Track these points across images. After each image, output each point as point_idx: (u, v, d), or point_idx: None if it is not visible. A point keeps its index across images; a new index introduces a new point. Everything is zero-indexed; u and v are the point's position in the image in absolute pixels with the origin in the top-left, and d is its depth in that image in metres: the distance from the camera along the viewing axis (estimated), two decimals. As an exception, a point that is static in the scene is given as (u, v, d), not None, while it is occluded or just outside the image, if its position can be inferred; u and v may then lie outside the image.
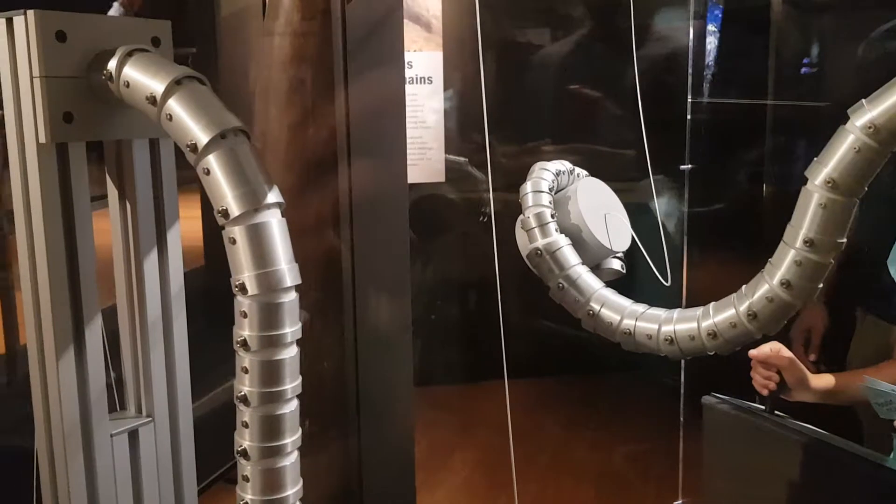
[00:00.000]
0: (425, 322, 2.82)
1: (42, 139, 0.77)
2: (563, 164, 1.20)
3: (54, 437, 0.83)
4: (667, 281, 1.17)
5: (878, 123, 0.85)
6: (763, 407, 1.47)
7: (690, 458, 1.79)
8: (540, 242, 1.10)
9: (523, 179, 2.54)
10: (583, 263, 1.11)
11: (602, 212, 1.16)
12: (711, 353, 1.01)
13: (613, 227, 1.16)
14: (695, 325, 1.00)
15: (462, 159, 2.63)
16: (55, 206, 0.79)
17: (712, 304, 1.00)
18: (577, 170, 1.23)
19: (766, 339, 0.98)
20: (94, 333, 0.83)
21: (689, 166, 1.84)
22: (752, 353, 1.47)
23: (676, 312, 1.04)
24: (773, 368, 1.46)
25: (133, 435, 0.88)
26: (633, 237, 1.17)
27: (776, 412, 1.47)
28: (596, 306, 1.08)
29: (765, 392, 1.47)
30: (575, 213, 1.14)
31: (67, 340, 0.81)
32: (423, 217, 2.88)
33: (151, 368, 0.88)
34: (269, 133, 1.39)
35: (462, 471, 2.70)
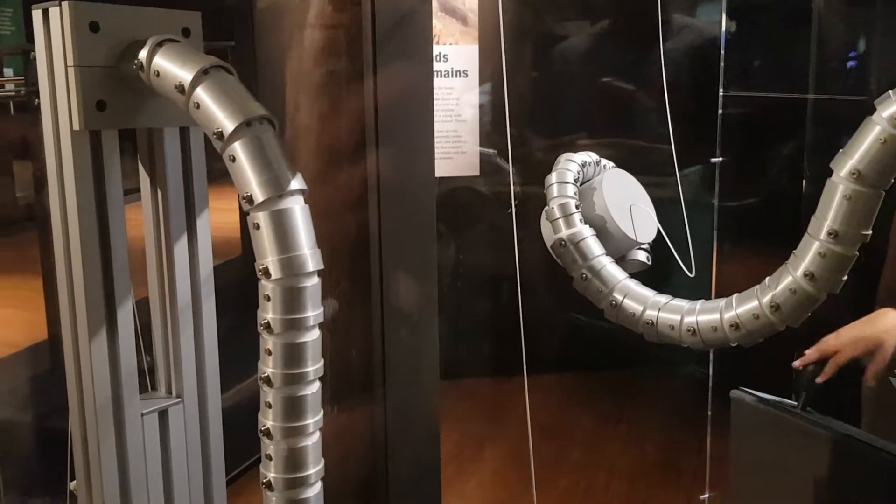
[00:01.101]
0: (453, 316, 2.84)
1: (76, 126, 0.80)
2: (590, 156, 1.21)
3: (87, 415, 0.86)
4: (691, 272, 1.17)
5: (906, 115, 0.84)
6: (795, 403, 1.46)
7: (718, 453, 1.78)
8: (564, 233, 1.11)
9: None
10: (607, 254, 1.12)
11: (628, 203, 1.16)
12: (734, 345, 1.01)
13: (639, 219, 1.16)
14: (717, 316, 1.00)
15: (492, 151, 2.64)
16: (88, 192, 0.82)
17: (735, 295, 1.00)
18: (604, 161, 1.23)
19: (789, 332, 0.97)
20: (126, 315, 0.86)
21: (721, 159, 1.82)
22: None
23: (699, 304, 1.04)
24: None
25: (163, 415, 0.91)
26: (658, 229, 1.17)
27: (808, 408, 1.45)
28: (619, 297, 1.08)
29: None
30: (600, 203, 1.14)
31: (100, 321, 0.84)
32: (453, 209, 2.90)
33: (181, 350, 0.91)
34: (299, 122, 1.41)
35: (488, 464, 2.72)
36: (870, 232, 0.89)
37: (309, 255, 0.74)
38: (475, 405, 2.89)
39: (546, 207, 1.15)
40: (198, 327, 0.92)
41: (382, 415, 1.44)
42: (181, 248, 0.90)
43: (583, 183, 1.18)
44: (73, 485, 0.91)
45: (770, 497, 1.53)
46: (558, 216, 1.12)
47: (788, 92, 2.45)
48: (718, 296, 1.57)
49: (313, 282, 0.75)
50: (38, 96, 0.83)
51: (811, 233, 0.91)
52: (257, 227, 0.74)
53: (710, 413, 1.85)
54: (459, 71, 2.67)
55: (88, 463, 0.87)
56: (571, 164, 1.17)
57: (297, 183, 0.75)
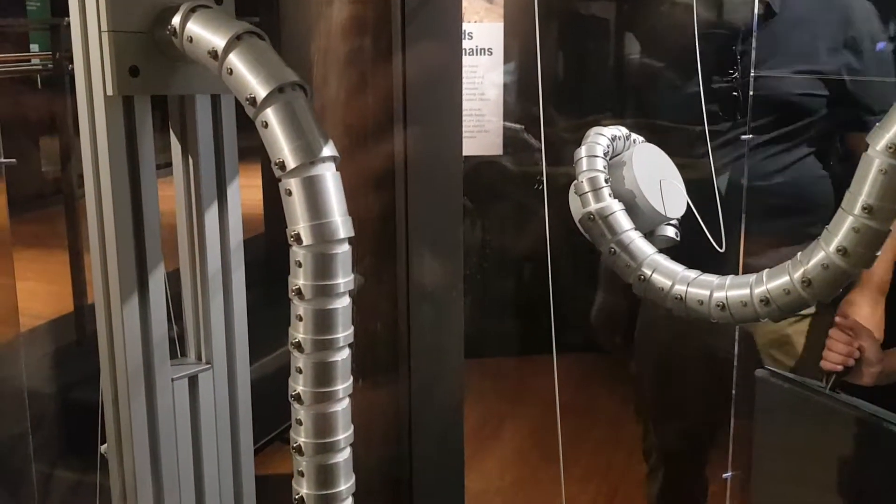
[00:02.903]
0: (477, 293, 2.84)
1: (109, 92, 0.80)
2: (619, 130, 1.20)
3: (118, 380, 0.87)
4: (721, 247, 1.16)
5: (945, 87, 0.83)
6: (821, 383, 1.45)
7: (741, 432, 1.78)
8: (593, 207, 1.10)
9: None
10: (636, 229, 1.11)
11: (657, 178, 1.15)
12: (763, 320, 1.00)
13: (668, 194, 1.15)
14: (747, 291, 0.99)
15: (519, 126, 2.62)
16: (121, 157, 0.82)
17: (766, 270, 0.99)
18: (634, 136, 1.22)
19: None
20: (157, 280, 0.87)
21: (750, 136, 1.81)
22: (841, 320, 1.44)
23: (729, 279, 1.03)
24: (857, 343, 1.43)
25: (193, 380, 0.92)
26: (688, 203, 1.16)
27: (836, 389, 1.45)
28: (647, 271, 1.07)
29: (839, 368, 1.44)
30: (629, 178, 1.13)
31: (132, 286, 0.85)
32: (479, 186, 2.89)
33: (211, 317, 0.92)
34: (327, 99, 1.41)
35: (511, 442, 2.73)
36: (905, 208, 0.88)
37: (340, 221, 0.74)
38: (498, 383, 2.90)
39: (575, 181, 1.14)
40: (227, 294, 0.93)
41: (407, 390, 1.45)
42: (212, 216, 0.91)
43: (612, 157, 1.17)
44: (103, 448, 0.92)
45: (794, 477, 1.53)
46: (587, 190, 1.11)
47: (820, 72, 2.41)
48: (746, 273, 1.57)
49: (344, 249, 0.75)
50: (71, 62, 0.84)
51: (845, 207, 0.90)
52: (289, 193, 0.74)
53: (734, 392, 1.84)
54: (484, 49, 2.66)
55: (119, 426, 0.89)
56: (601, 138, 1.16)
57: (329, 150, 0.75)
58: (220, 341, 0.93)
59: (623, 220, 1.10)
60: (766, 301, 0.98)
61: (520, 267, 3.05)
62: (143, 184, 0.84)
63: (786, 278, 0.96)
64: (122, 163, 0.83)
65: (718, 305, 1.02)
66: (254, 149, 0.96)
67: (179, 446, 0.92)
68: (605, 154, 1.15)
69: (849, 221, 0.90)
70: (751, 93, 1.89)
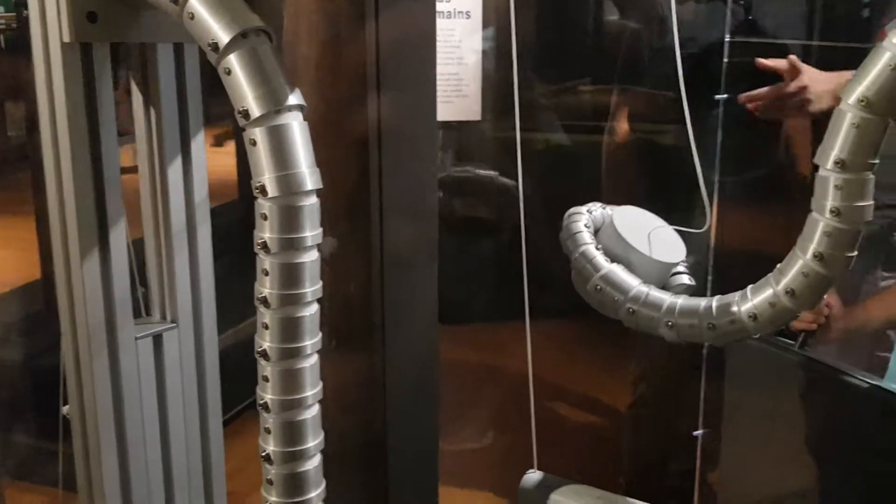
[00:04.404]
0: (451, 259, 2.82)
1: (66, 38, 0.77)
2: (594, 204, 1.19)
3: (79, 338, 0.85)
4: (704, 226, 1.15)
5: (918, 40, 0.82)
6: (792, 342, 1.46)
7: (711, 390, 1.80)
8: (595, 277, 1.09)
9: (560, 119, 2.48)
10: (645, 283, 1.09)
11: (645, 232, 1.14)
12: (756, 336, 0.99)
13: (662, 241, 1.14)
14: (736, 308, 0.98)
15: (493, 173, 2.60)
16: (79, 107, 0.79)
17: (749, 287, 0.98)
18: (609, 207, 1.21)
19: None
20: (119, 235, 0.84)
21: (725, 96, 1.80)
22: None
23: (714, 300, 1.01)
24: (825, 301, 1.44)
25: (157, 339, 0.90)
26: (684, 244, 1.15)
27: (805, 346, 1.46)
28: (672, 319, 1.04)
29: (813, 327, 1.45)
30: (619, 241, 1.12)
31: (92, 241, 0.82)
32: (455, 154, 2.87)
33: (175, 275, 0.90)
34: (298, 63, 1.38)
35: (486, 407, 2.74)
36: (877, 161, 0.87)
37: (307, 173, 0.72)
38: (474, 350, 2.90)
39: (571, 265, 1.13)
40: (192, 251, 0.90)
41: (381, 354, 1.44)
42: (175, 170, 0.88)
43: (596, 231, 1.16)
44: (65, 409, 0.90)
45: (763, 433, 1.54)
46: (584, 263, 1.10)
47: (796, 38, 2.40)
48: (718, 240, 1.56)
49: (312, 201, 0.73)
50: (26, 8, 0.81)
51: (820, 162, 0.89)
52: (254, 143, 0.72)
53: (704, 351, 1.85)
54: (462, 12, 2.62)
55: (81, 387, 0.86)
56: (578, 216, 1.16)
57: (295, 98, 0.72)
58: (186, 300, 0.91)
59: (629, 278, 1.08)
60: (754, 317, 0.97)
61: (496, 233, 3.03)
62: (103, 136, 0.81)
63: (769, 290, 0.95)
64: (81, 114, 0.80)
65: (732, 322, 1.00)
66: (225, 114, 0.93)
67: (144, 407, 0.90)
68: (587, 226, 1.14)
69: (830, 179, 0.89)
70: (725, 59, 1.88)
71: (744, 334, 0.99)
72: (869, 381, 1.35)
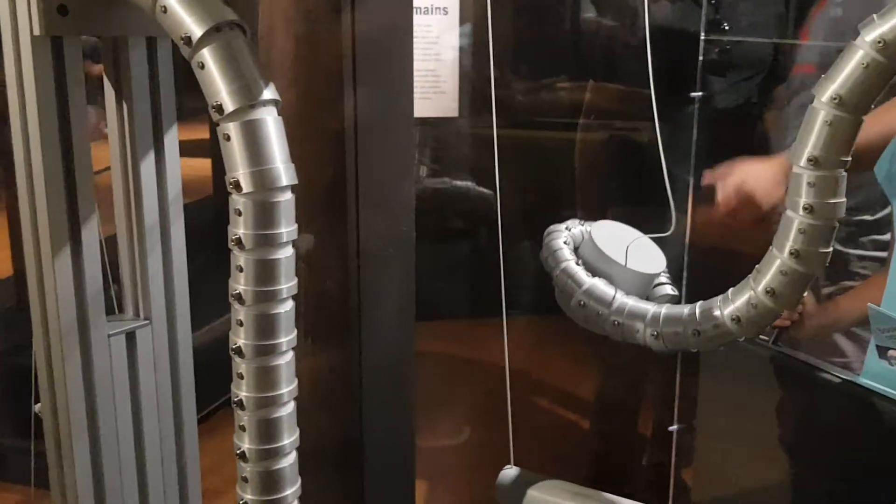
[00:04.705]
0: (430, 256, 2.82)
1: (36, 31, 0.76)
2: (572, 221, 1.20)
3: (51, 335, 0.84)
4: (669, 229, 1.15)
5: (889, 38, 0.82)
6: (766, 338, 1.48)
7: (686, 385, 1.81)
8: (578, 293, 1.08)
9: (537, 116, 2.48)
10: (628, 294, 1.09)
11: (623, 244, 1.14)
12: (741, 339, 0.99)
13: (641, 253, 1.14)
14: (719, 313, 0.98)
15: (469, 184, 2.61)
16: (50, 101, 0.78)
17: (730, 290, 0.98)
18: (587, 223, 1.21)
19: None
20: (91, 232, 0.83)
21: (700, 93, 1.81)
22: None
23: (698, 306, 1.02)
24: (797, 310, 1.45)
25: (130, 337, 0.89)
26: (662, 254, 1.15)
27: (778, 342, 1.47)
28: (658, 329, 1.04)
29: (787, 323, 1.47)
30: (597, 253, 1.12)
31: (64, 238, 0.81)
32: (433, 150, 2.86)
33: (149, 271, 0.89)
34: (273, 57, 1.37)
35: (462, 402, 2.74)
36: (849, 158, 0.88)
37: (282, 168, 0.72)
38: (450, 345, 2.90)
39: (554, 282, 1.13)
40: (166, 248, 0.89)
41: (357, 349, 1.43)
42: (148, 166, 0.87)
43: (576, 248, 1.16)
44: (37, 407, 0.89)
45: (738, 428, 1.55)
46: (566, 280, 1.10)
47: (770, 37, 2.42)
48: (694, 240, 1.57)
49: (287, 197, 0.73)
50: (-5, 1, 0.79)
51: (794, 160, 0.90)
52: (227, 138, 0.71)
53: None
54: (439, 8, 2.61)
55: (54, 386, 0.85)
56: (557, 233, 1.16)
57: (269, 93, 0.72)
58: (159, 297, 0.90)
59: (610, 290, 1.08)
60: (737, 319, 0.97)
61: (473, 229, 3.03)
62: (74, 130, 0.80)
63: (748, 292, 0.95)
64: (52, 109, 0.79)
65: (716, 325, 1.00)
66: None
67: (118, 405, 0.89)
68: (566, 243, 1.14)
69: (804, 177, 0.89)
70: (700, 57, 1.89)
71: (728, 338, 0.98)
72: (842, 376, 1.37)
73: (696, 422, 1.78)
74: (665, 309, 1.05)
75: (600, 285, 1.09)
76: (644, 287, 1.14)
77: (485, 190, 2.53)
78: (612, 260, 1.12)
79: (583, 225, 1.20)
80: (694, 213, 1.84)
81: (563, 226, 1.19)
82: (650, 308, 1.06)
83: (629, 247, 1.14)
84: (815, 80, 0.89)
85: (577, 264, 1.12)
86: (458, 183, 2.64)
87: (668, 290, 1.15)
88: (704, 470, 1.76)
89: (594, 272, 1.11)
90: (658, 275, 1.15)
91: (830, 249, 0.90)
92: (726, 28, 1.92)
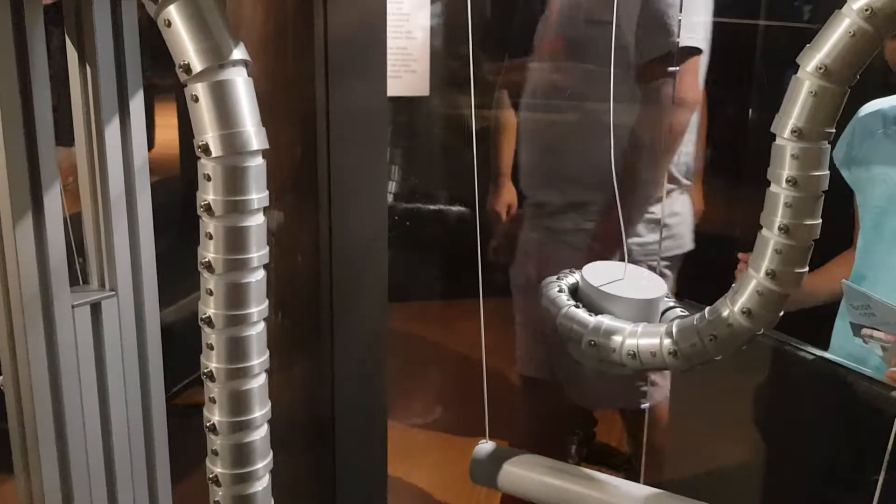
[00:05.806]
0: (402, 237, 2.81)
1: (-7, -13, 0.73)
2: (563, 272, 1.17)
3: (13, 306, 0.81)
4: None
5: (876, 6, 0.81)
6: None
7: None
8: (586, 333, 1.05)
9: (510, 97, 2.45)
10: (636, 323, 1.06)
11: (616, 277, 1.13)
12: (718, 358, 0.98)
13: (637, 281, 1.12)
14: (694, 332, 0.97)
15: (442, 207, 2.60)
16: (10, 64, 0.75)
17: (707, 308, 0.97)
18: (577, 271, 1.19)
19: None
20: (54, 200, 0.80)
21: (677, 69, 1.80)
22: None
23: (674, 325, 1.00)
24: None
25: (96, 308, 0.86)
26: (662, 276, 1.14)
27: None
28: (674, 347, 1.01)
29: None
30: (596, 293, 1.10)
31: (25, 206, 0.78)
32: (405, 130, 2.84)
33: (114, 241, 0.86)
34: (245, 41, 1.34)
35: (435, 383, 2.73)
36: (833, 130, 0.87)
37: (253, 132, 0.69)
38: (423, 326, 2.89)
39: (558, 331, 1.10)
40: (132, 217, 0.86)
41: (329, 328, 1.41)
42: (113, 132, 0.84)
43: (573, 295, 1.14)
44: (0, 380, 0.86)
45: (711, 406, 1.55)
46: (570, 324, 1.07)
47: (741, 17, 2.43)
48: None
49: (258, 162, 0.70)
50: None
51: (775, 130, 0.89)
52: (195, 99, 0.68)
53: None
54: (410, -14, 2.57)
55: (16, 356, 0.82)
56: (552, 284, 1.13)
57: (239, 52, 0.69)
58: (125, 267, 0.87)
59: (619, 324, 1.05)
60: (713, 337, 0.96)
61: (448, 210, 3.02)
62: (35, 93, 0.77)
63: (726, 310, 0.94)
64: (12, 74, 0.76)
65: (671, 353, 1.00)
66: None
67: (83, 378, 0.86)
68: (560, 290, 1.11)
69: (787, 148, 0.88)
70: (679, 41, 1.88)
71: (746, 335, 0.95)
72: (814, 352, 1.37)
73: (668, 400, 1.78)
74: (676, 324, 1.03)
75: (606, 321, 1.06)
76: (651, 314, 1.12)
77: (462, 208, 2.53)
78: (612, 294, 1.09)
79: (573, 272, 1.18)
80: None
81: (554, 277, 1.17)
82: (660, 328, 1.03)
83: (625, 277, 1.12)
84: None
85: (577, 307, 1.09)
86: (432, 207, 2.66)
87: (678, 311, 1.12)
88: (676, 447, 1.77)
89: (597, 312, 1.09)
90: (661, 298, 1.13)
91: (818, 221, 0.89)
92: None
